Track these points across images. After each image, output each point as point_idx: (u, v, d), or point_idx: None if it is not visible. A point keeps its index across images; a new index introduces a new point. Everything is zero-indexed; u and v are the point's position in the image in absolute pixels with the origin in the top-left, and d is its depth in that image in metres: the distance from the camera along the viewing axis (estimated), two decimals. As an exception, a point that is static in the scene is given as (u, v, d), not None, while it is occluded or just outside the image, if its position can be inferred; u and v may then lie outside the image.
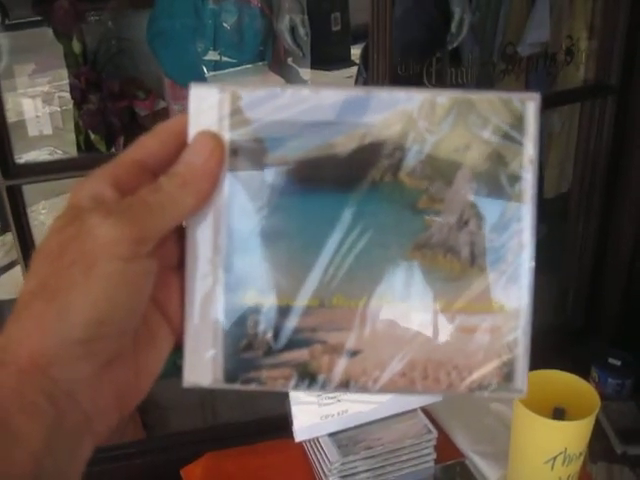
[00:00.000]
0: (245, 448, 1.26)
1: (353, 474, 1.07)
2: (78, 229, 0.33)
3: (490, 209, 0.37)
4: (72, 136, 2.38)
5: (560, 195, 2.29)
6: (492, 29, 2.30)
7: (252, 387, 0.37)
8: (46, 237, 0.34)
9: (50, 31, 2.26)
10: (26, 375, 0.32)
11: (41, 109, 2.44)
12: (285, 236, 0.37)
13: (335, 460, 1.06)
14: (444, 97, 0.37)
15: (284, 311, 0.37)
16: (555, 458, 0.92)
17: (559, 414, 0.94)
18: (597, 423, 0.95)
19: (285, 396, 1.09)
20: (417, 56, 2.04)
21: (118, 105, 2.29)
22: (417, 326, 0.37)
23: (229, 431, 1.55)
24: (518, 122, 0.37)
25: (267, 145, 0.37)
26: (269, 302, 0.37)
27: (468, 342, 0.37)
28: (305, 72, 2.23)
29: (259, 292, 0.37)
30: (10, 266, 2.76)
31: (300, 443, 1.12)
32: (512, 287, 0.37)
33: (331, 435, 1.09)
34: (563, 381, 0.96)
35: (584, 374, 0.99)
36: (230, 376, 0.37)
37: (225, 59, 2.01)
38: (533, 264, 0.37)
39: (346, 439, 1.09)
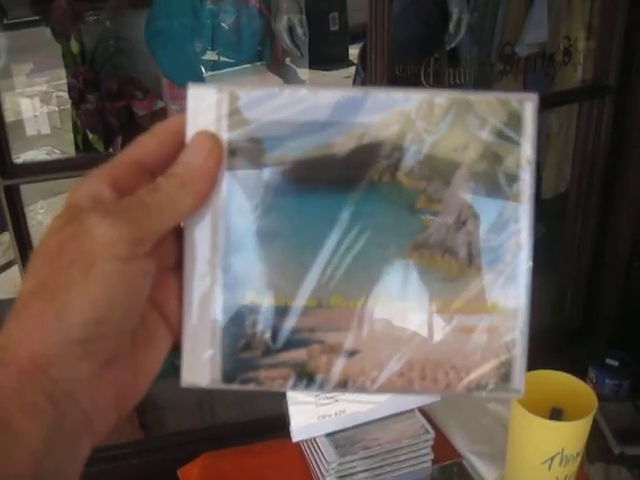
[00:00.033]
0: (242, 448, 1.26)
1: (350, 474, 1.07)
2: (77, 229, 0.33)
3: (488, 209, 0.37)
4: (70, 136, 2.38)
5: (558, 195, 2.30)
6: (490, 29, 2.30)
7: (250, 387, 0.37)
8: (44, 237, 0.34)
9: (48, 31, 2.26)
10: (26, 375, 0.32)
11: (39, 109, 2.45)
12: (283, 236, 0.37)
13: (332, 460, 1.06)
14: (442, 97, 0.37)
15: (282, 311, 0.37)
16: (552, 458, 0.92)
17: (556, 414, 0.94)
18: (594, 423, 0.95)
19: (283, 396, 1.09)
20: (415, 56, 2.05)
21: (116, 105, 2.29)
22: (415, 326, 0.37)
23: (226, 431, 1.55)
24: (516, 122, 0.37)
25: (265, 145, 0.37)
26: (267, 302, 0.37)
27: (466, 342, 0.37)
28: (303, 72, 2.23)
29: (257, 292, 0.37)
30: (8, 266, 2.76)
31: (297, 443, 1.12)
32: (510, 287, 0.37)
33: (328, 435, 1.09)
34: (561, 381, 0.96)
35: (582, 374, 0.99)
36: (228, 376, 0.37)
37: (223, 59, 2.01)
38: (531, 264, 0.37)
39: (343, 439, 1.09)
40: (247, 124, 0.37)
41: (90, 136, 2.29)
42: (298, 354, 0.37)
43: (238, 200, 0.37)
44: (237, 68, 2.02)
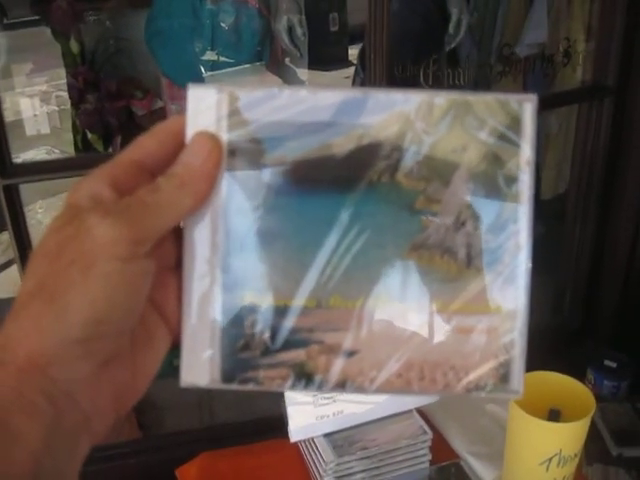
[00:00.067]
0: (240, 448, 1.26)
1: (348, 475, 1.07)
2: (76, 229, 0.33)
3: (487, 210, 0.37)
4: (69, 135, 2.38)
5: (557, 196, 2.30)
6: (490, 30, 2.30)
7: (249, 387, 0.37)
8: (44, 237, 0.34)
9: (48, 30, 2.26)
10: (25, 375, 0.32)
11: (39, 108, 2.45)
12: (282, 236, 0.37)
13: (330, 460, 1.06)
14: (441, 98, 0.37)
15: (281, 311, 0.37)
16: (550, 459, 0.92)
17: (554, 415, 0.94)
18: (593, 425, 0.95)
19: (281, 396, 1.09)
20: (414, 57, 2.05)
21: (116, 105, 2.29)
22: (414, 327, 0.37)
23: (225, 431, 1.55)
24: (515, 123, 0.37)
25: (265, 146, 0.37)
26: (266, 302, 0.37)
27: (465, 343, 0.37)
28: (303, 72, 2.24)
29: (257, 292, 0.37)
30: (7, 265, 2.76)
31: (295, 443, 1.12)
32: (509, 288, 0.37)
33: (326, 435, 1.09)
34: (559, 382, 0.96)
35: (580, 376, 0.99)
36: (227, 376, 0.38)
37: (223, 59, 2.01)
38: (530, 265, 0.37)
39: (341, 440, 1.09)
40: (247, 125, 0.37)
41: (89, 136, 2.29)
42: (297, 354, 0.37)
43: (238, 200, 0.37)
44: (237, 68, 2.02)
